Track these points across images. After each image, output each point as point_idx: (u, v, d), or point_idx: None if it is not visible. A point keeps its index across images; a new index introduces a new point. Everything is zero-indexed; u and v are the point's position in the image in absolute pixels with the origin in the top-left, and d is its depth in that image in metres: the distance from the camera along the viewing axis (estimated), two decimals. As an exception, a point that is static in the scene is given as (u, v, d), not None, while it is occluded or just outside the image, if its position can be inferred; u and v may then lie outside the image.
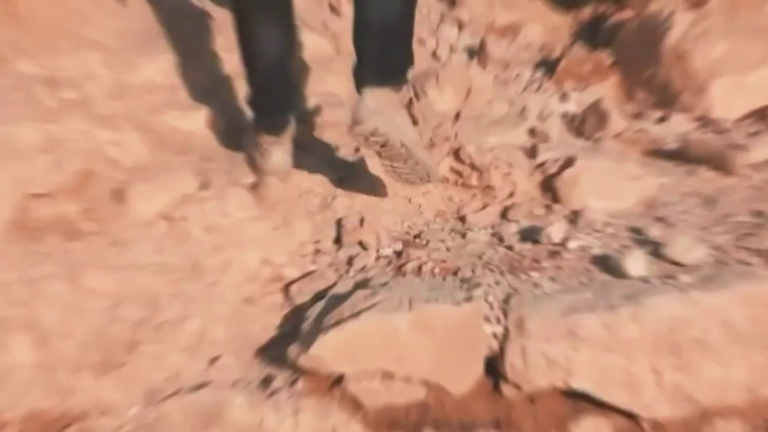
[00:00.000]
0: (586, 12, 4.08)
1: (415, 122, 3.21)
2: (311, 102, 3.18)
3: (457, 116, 3.13)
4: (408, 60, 2.63)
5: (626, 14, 3.87)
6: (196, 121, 3.07)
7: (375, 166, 2.87)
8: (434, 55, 3.74)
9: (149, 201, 2.61)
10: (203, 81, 3.24)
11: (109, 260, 2.51)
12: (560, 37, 4.04)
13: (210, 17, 3.51)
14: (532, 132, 3.20)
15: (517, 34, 3.99)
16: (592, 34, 3.98)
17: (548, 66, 3.73)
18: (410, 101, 3.37)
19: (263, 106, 2.78)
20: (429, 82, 3.20)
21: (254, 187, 2.80)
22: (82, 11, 3.47)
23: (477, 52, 3.78)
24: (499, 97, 3.37)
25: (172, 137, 2.97)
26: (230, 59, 3.32)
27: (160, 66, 3.23)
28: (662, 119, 3.36)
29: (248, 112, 2.96)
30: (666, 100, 3.42)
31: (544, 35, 4.04)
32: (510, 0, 4.15)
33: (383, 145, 2.56)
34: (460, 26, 4.04)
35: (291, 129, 2.82)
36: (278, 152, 2.79)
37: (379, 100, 2.55)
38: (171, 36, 3.38)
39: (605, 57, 3.63)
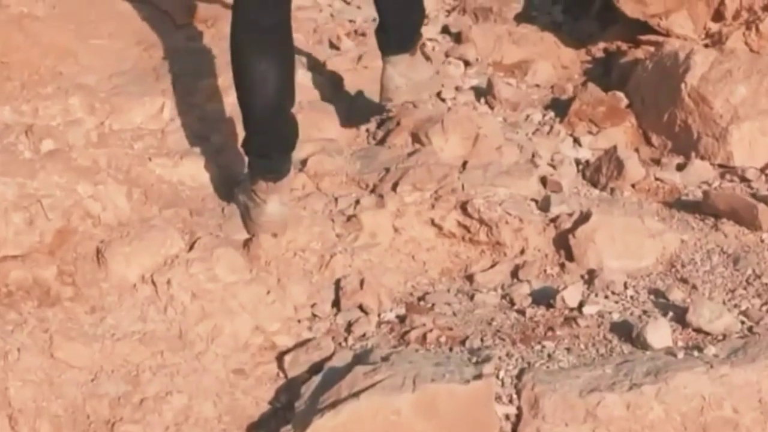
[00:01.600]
0: (599, 48, 3.94)
1: (427, 57, 3.50)
2: (308, 149, 3.02)
3: (464, 165, 2.98)
4: (422, 15, 3.16)
5: (641, 52, 3.72)
6: (186, 169, 2.92)
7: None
8: (438, 95, 3.59)
9: (131, 263, 2.46)
10: (195, 126, 3.10)
11: (87, 329, 2.36)
12: (571, 75, 3.89)
13: (205, 56, 3.36)
14: (544, 181, 3.05)
15: (526, 73, 3.84)
16: (605, 72, 3.83)
17: (559, 107, 3.58)
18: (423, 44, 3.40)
19: (260, 149, 2.69)
20: (433, 128, 3.05)
21: (246, 245, 2.64)
22: (68, 49, 3.33)
23: (484, 93, 3.62)
24: (509, 143, 3.21)
25: (159, 189, 2.82)
26: (226, 102, 3.18)
27: (149, 109, 3.09)
28: (682, 166, 3.22)
29: (243, 160, 2.85)
30: (685, 145, 3.28)
31: (554, 73, 3.89)
32: (518, 36, 4.00)
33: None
34: (466, 64, 3.89)
35: (289, 176, 2.74)
36: (274, 202, 2.67)
37: (402, 71, 3.01)
38: (162, 76, 3.24)
39: (620, 98, 3.48)
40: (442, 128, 3.04)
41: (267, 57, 2.64)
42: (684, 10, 3.75)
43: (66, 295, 2.38)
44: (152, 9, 3.58)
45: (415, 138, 3.08)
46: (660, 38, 3.73)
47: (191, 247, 2.51)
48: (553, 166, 3.20)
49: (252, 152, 2.71)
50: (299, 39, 3.83)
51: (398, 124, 3.14)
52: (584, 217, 2.75)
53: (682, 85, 3.28)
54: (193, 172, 2.93)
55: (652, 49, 3.70)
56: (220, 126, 3.10)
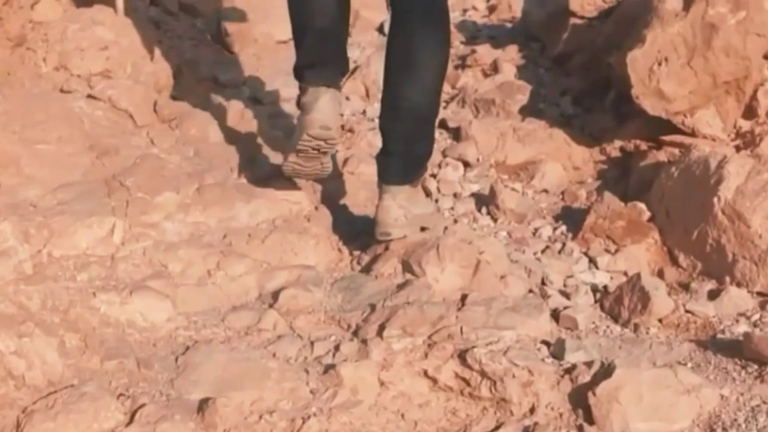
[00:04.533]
0: (614, 147, 3.59)
1: (427, 194, 3.28)
2: (280, 279, 2.66)
3: (463, 300, 2.60)
4: (430, 148, 2.94)
5: (664, 154, 3.36)
6: (136, 306, 2.56)
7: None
8: (435, 202, 3.23)
9: (55, 444, 2.06)
10: (150, 251, 2.72)
11: None
12: (584, 178, 3.54)
13: (166, 165, 3.01)
14: (557, 315, 2.67)
15: (533, 175, 3.49)
16: (623, 175, 3.48)
17: (572, 219, 3.23)
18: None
19: (313, 60, 2.84)
20: (428, 255, 2.68)
21: (201, 409, 2.24)
22: (9, 156, 2.99)
23: (486, 201, 3.26)
24: (515, 268, 2.84)
25: (102, 334, 2.45)
26: (187, 221, 2.81)
27: (97, 232, 2.75)
28: (715, 294, 2.86)
29: (206, 292, 2.62)
30: (718, 268, 2.92)
31: (565, 176, 3.54)
32: (524, 132, 3.65)
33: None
34: (466, 165, 3.54)
35: (340, 84, 2.91)
36: (326, 98, 2.81)
37: (401, 203, 2.80)
38: (115, 191, 2.90)
39: (641, 210, 3.12)
40: (438, 256, 2.68)
41: None
42: (712, 106, 3.42)
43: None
44: (109, 107, 3.26)
45: (406, 266, 2.72)
46: (685, 139, 3.39)
47: (131, 419, 2.11)
48: (567, 295, 2.83)
49: (305, 57, 2.86)
50: (281, 135, 3.50)
51: (387, 248, 2.77)
52: (606, 371, 2.36)
53: (715, 199, 2.92)
54: (145, 309, 2.56)
55: (676, 151, 3.37)
56: (178, 251, 2.73)
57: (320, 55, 2.84)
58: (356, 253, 2.88)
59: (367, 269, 2.77)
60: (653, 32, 3.39)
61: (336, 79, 2.88)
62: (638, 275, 2.78)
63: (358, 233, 2.93)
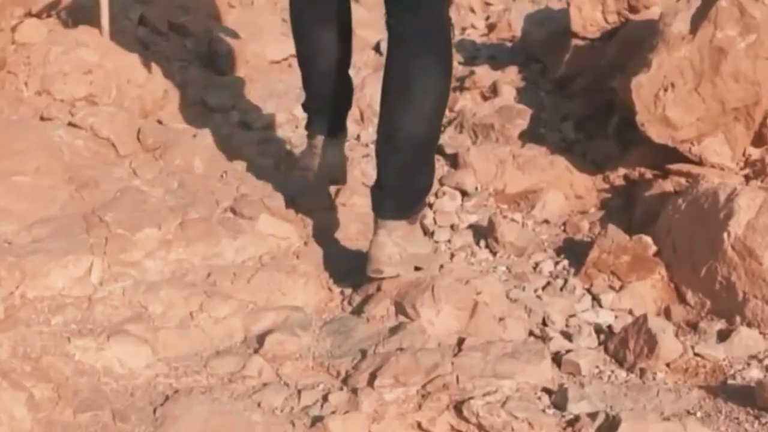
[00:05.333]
0: (618, 175, 3.46)
1: (425, 232, 3.14)
2: (267, 321, 2.54)
3: (460, 344, 2.47)
4: (429, 182, 2.79)
5: (670, 184, 3.23)
6: (114, 352, 2.44)
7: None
8: (431, 237, 3.10)
9: None
10: (130, 291, 2.60)
11: None
12: (587, 207, 3.40)
13: (148, 198, 2.89)
14: (558, 360, 2.54)
15: (533, 205, 3.36)
16: (627, 205, 3.35)
17: (574, 252, 3.10)
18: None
19: (318, 108, 3.00)
20: (422, 297, 2.55)
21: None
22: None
23: (485, 233, 3.13)
24: (514, 308, 2.71)
25: (75, 384, 2.32)
26: (169, 259, 2.69)
27: (74, 271, 2.63)
28: (725, 335, 2.73)
29: (189, 335, 2.51)
30: (728, 307, 2.79)
31: (566, 205, 3.41)
32: (524, 159, 3.52)
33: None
34: (463, 194, 3.40)
35: (344, 132, 3.08)
36: (335, 149, 3.00)
37: (396, 239, 2.62)
38: (94, 226, 2.79)
39: (646, 244, 2.99)
40: (433, 297, 2.55)
41: (325, 25, 2.87)
42: (720, 133, 3.29)
43: None
44: (90, 136, 3.13)
45: (400, 308, 2.59)
46: (692, 168, 3.26)
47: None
48: (569, 336, 2.70)
49: (310, 110, 3.03)
50: (270, 163, 3.38)
51: (379, 289, 2.64)
52: (611, 424, 2.23)
53: (724, 235, 2.79)
54: (123, 355, 2.44)
55: (683, 180, 3.24)
56: (159, 292, 2.60)
57: (326, 103, 2.95)
58: (347, 292, 2.75)
59: (358, 310, 2.64)
60: (659, 56, 3.26)
61: (341, 128, 3.02)
62: (644, 317, 2.65)
63: (350, 271, 2.80)
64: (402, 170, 2.65)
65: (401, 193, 2.66)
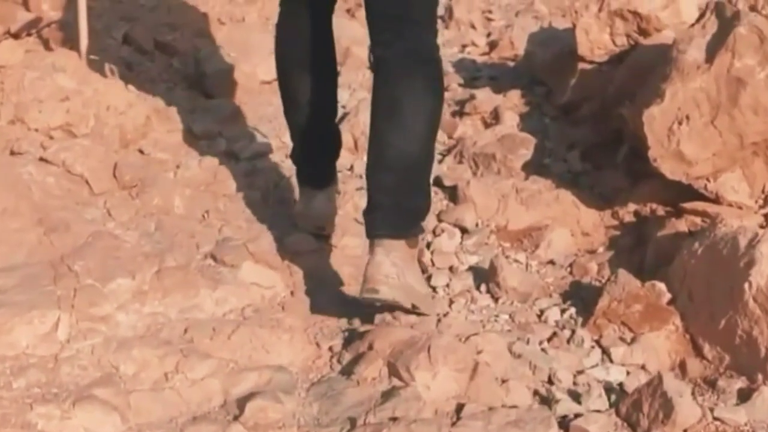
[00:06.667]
0: (628, 211, 3.26)
1: (423, 270, 2.92)
2: (248, 383, 2.33)
3: (459, 412, 2.26)
4: (426, 203, 2.70)
5: (684, 223, 3.02)
6: (80, 420, 2.25)
7: None
8: (428, 280, 2.89)
9: None
10: (101, 350, 2.40)
11: None
12: (595, 246, 3.20)
13: (122, 244, 2.68)
14: (566, 426, 2.34)
15: (538, 244, 3.16)
16: (638, 244, 3.15)
17: (582, 298, 2.91)
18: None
19: (305, 158, 2.95)
20: (417, 358, 2.34)
21: None
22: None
23: (486, 277, 2.92)
24: (518, 365, 2.50)
25: (36, 459, 2.10)
26: (144, 312, 2.49)
27: (39, 328, 2.44)
28: (746, 395, 2.52)
29: (163, 402, 2.29)
30: (749, 363, 2.58)
31: (573, 243, 3.21)
32: (528, 193, 3.32)
33: (392, 305, 2.54)
34: (463, 232, 3.19)
35: (335, 181, 3.02)
36: (322, 198, 2.93)
37: (395, 261, 2.47)
38: (62, 276, 2.59)
39: (660, 291, 2.78)
40: (429, 358, 2.34)
41: (310, 71, 2.83)
42: (738, 169, 3.09)
43: None
44: (63, 172, 2.92)
45: (393, 370, 2.38)
46: (708, 206, 3.05)
47: None
48: (577, 397, 2.49)
49: (297, 160, 2.97)
50: (257, 198, 3.18)
51: (371, 347, 2.43)
52: None
53: (746, 285, 2.58)
54: (90, 423, 2.24)
55: (698, 220, 3.02)
56: (131, 351, 2.39)
57: (312, 154, 2.90)
58: (336, 348, 2.54)
59: (348, 371, 2.43)
60: (673, 87, 3.05)
61: (329, 178, 2.95)
62: (660, 377, 2.43)
63: (340, 326, 2.59)
64: (394, 189, 2.55)
65: (395, 210, 2.54)
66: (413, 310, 2.57)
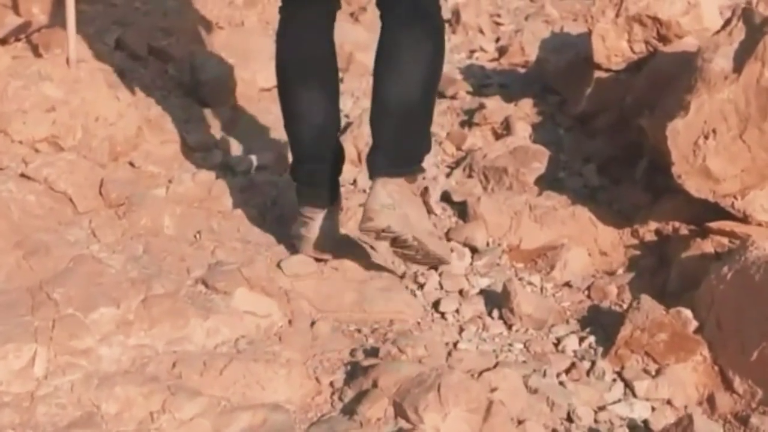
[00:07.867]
0: (649, 230, 3.06)
1: (430, 211, 3.04)
2: (241, 423, 2.13)
3: (471, 457, 2.06)
4: (425, 146, 2.76)
5: (710, 244, 2.83)
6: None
7: None
8: (436, 308, 2.70)
9: None
10: (81, 387, 2.22)
11: None
12: (613, 267, 3.01)
13: (107, 269, 2.49)
14: (588, 471, 2.13)
15: (553, 265, 2.97)
16: (660, 265, 2.96)
17: (601, 325, 2.72)
18: (425, 189, 3.13)
19: (307, 178, 2.79)
20: (426, 398, 2.14)
21: None
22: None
23: (498, 302, 2.73)
24: (534, 401, 2.31)
25: None
26: (128, 344, 2.30)
27: (14, 363, 2.28)
28: (781, 433, 2.29)
29: None
30: (785, 398, 2.36)
31: (590, 263, 3.02)
32: (542, 210, 3.12)
33: (394, 240, 2.61)
34: (473, 251, 3.00)
35: (338, 201, 2.86)
36: (323, 220, 2.76)
37: (392, 192, 2.57)
38: (40, 305, 2.41)
39: (686, 319, 2.59)
40: (439, 398, 2.14)
41: (311, 84, 2.75)
42: (767, 185, 2.86)
43: None
44: (45, 190, 2.72)
45: (399, 410, 2.18)
46: (735, 226, 2.86)
47: None
48: (600, 438, 2.29)
49: (299, 180, 2.80)
50: (254, 216, 2.98)
51: (375, 384, 2.23)
52: None
53: (780, 313, 2.38)
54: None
55: (725, 240, 2.82)
56: (114, 388, 2.19)
57: (314, 172, 2.77)
58: (338, 384, 2.34)
59: (350, 410, 2.23)
60: (698, 99, 2.85)
61: (333, 197, 2.81)
62: (690, 417, 2.23)
63: (342, 359, 2.39)
64: (395, 131, 2.65)
65: (394, 149, 2.63)
66: (421, 251, 2.64)
